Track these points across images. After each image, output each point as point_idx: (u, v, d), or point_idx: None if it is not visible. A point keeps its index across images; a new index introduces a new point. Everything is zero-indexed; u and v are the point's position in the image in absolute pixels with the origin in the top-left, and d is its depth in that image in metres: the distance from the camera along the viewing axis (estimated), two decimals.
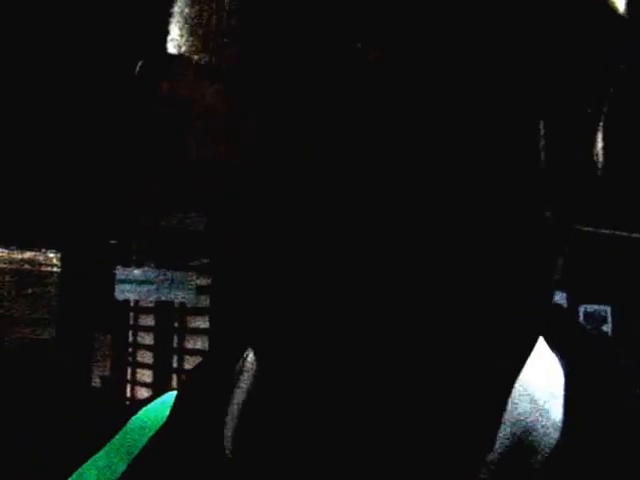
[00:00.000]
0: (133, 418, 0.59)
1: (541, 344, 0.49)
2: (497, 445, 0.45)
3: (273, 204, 0.42)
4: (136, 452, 0.56)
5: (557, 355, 0.50)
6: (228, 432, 0.51)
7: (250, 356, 0.54)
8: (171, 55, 0.47)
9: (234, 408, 0.52)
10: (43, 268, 6.55)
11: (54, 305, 6.51)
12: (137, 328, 7.53)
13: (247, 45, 0.42)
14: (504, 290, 0.41)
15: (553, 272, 0.44)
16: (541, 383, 0.48)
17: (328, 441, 0.45)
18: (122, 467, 0.56)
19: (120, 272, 6.21)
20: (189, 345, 6.94)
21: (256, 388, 0.51)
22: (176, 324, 7.14)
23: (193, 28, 0.46)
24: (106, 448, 0.59)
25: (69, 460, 0.60)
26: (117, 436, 0.59)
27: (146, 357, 7.29)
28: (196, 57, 0.45)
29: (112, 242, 6.57)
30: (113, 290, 6.21)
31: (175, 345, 7.09)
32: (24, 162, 5.73)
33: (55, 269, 6.54)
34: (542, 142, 0.41)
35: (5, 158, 5.71)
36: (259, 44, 0.42)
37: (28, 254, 6.52)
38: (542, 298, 0.45)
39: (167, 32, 0.47)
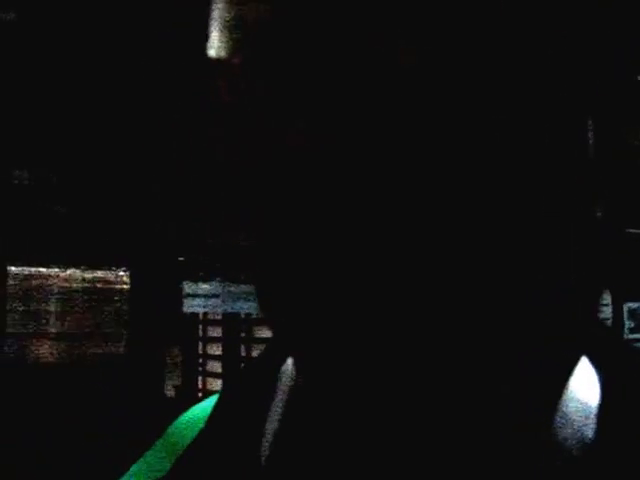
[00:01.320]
0: (179, 418, 0.60)
1: (582, 360, 0.47)
2: (522, 460, 0.43)
3: (317, 206, 0.40)
4: (181, 451, 0.56)
5: (596, 369, 0.47)
6: (265, 439, 0.51)
7: (289, 363, 0.53)
8: (210, 59, 0.47)
9: (273, 415, 0.52)
10: (114, 286, 6.61)
11: (126, 321, 6.57)
12: (206, 339, 7.61)
13: (283, 47, 0.42)
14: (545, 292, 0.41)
15: (599, 276, 0.44)
16: (576, 398, 0.46)
17: (367, 449, 0.44)
18: (168, 465, 0.56)
19: (188, 287, 6.27)
20: (256, 354, 6.86)
21: (295, 396, 0.51)
22: (243, 334, 7.20)
23: (231, 32, 0.45)
24: (155, 447, 0.59)
25: (123, 461, 0.63)
26: (164, 435, 0.60)
27: (215, 367, 7.37)
28: (235, 60, 0.44)
29: (180, 259, 6.59)
30: (181, 304, 6.26)
31: (243, 354, 7.15)
32: (93, 185, 5.76)
33: (126, 286, 6.59)
34: (584, 142, 0.41)
35: (75, 183, 5.77)
36: (293, 47, 0.41)
37: (99, 273, 6.57)
38: (587, 302, 0.45)
39: (206, 36, 0.47)
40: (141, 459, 0.59)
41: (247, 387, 0.56)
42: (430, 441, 0.43)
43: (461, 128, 0.39)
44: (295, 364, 0.49)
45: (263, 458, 0.50)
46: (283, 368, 0.54)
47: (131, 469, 0.59)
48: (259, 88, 0.42)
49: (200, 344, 7.55)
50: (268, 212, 0.42)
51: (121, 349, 6.60)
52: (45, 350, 6.45)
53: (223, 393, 0.58)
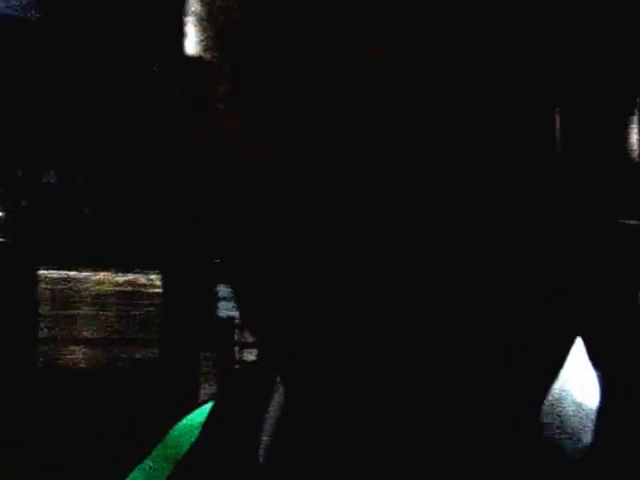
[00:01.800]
0: (177, 425, 0.61)
1: (583, 361, 0.47)
2: (514, 459, 0.43)
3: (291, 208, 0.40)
4: (178, 458, 0.57)
5: (596, 372, 0.47)
6: (262, 444, 0.51)
7: None
8: (187, 55, 0.47)
9: (269, 420, 0.52)
10: (146, 289, 6.59)
11: (158, 325, 6.55)
12: (243, 345, 7.49)
13: (254, 44, 0.42)
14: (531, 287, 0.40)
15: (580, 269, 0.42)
16: (574, 401, 0.45)
17: (358, 455, 0.44)
18: (166, 473, 0.57)
19: (223, 290, 6.26)
20: None
21: (287, 404, 0.50)
22: None
23: (205, 27, 0.45)
24: (152, 455, 0.60)
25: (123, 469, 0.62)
26: (161, 443, 0.61)
27: None
28: (210, 56, 0.45)
29: (217, 261, 6.61)
30: (216, 308, 6.27)
31: None
32: (123, 186, 5.82)
33: (158, 290, 6.57)
34: (558, 136, 0.40)
35: (105, 185, 5.82)
36: (265, 44, 0.41)
37: (131, 276, 6.56)
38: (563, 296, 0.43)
39: (183, 32, 0.47)
40: (138, 467, 0.60)
41: (243, 392, 0.56)
42: (418, 441, 0.43)
43: (454, 127, 0.38)
44: (281, 378, 0.49)
45: (260, 463, 0.50)
46: (277, 377, 0.53)
47: (128, 478, 0.60)
48: (238, 87, 0.42)
49: (236, 349, 7.45)
50: (258, 220, 0.42)
51: (154, 354, 6.59)
52: (76, 355, 6.46)
53: (219, 399, 0.59)
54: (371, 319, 0.40)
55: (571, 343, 0.46)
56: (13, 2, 4.93)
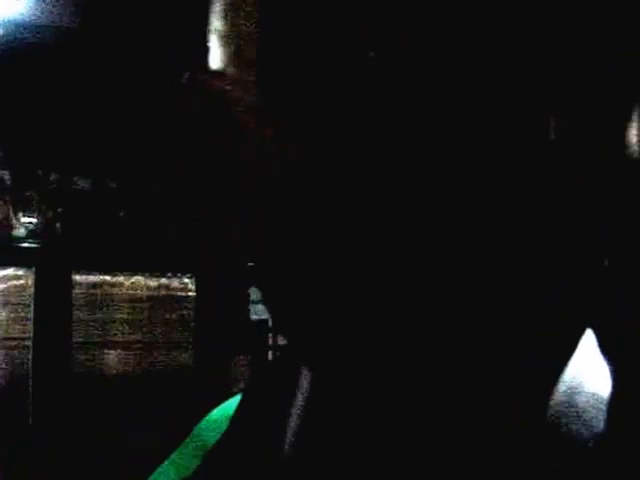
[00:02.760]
0: (205, 418, 0.67)
1: (596, 353, 0.47)
2: (524, 454, 0.44)
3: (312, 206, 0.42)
4: (206, 450, 0.59)
5: (608, 363, 0.47)
6: (287, 436, 0.52)
7: None
8: (211, 68, 0.50)
9: (294, 413, 0.53)
10: (179, 293, 6.58)
11: (191, 328, 6.54)
12: (276, 348, 7.53)
13: (271, 55, 0.44)
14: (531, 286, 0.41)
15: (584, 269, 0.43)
16: (587, 391, 0.45)
17: (384, 447, 0.46)
18: (196, 462, 0.60)
19: (255, 293, 6.24)
20: None
21: (314, 397, 0.52)
22: None
23: (227, 42, 0.47)
24: (181, 447, 0.68)
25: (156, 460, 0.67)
26: (190, 436, 0.67)
27: None
28: (231, 69, 0.47)
29: (250, 265, 6.60)
30: (249, 311, 6.26)
31: None
32: (155, 190, 5.82)
33: (191, 294, 6.56)
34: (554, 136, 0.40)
35: (138, 190, 5.83)
36: (279, 56, 0.43)
37: (164, 280, 6.56)
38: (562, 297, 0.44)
39: (208, 46, 0.49)
40: (168, 459, 0.69)
41: (269, 387, 0.60)
42: (425, 438, 0.44)
43: (454, 127, 0.39)
44: (310, 371, 0.52)
45: (285, 455, 0.52)
46: (303, 369, 0.57)
47: (158, 469, 0.67)
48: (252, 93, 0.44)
49: (270, 352, 7.40)
50: (268, 222, 0.44)
51: (187, 357, 6.58)
52: (111, 358, 6.48)
53: (245, 393, 0.62)
54: (376, 317, 0.41)
55: (578, 339, 0.46)
56: (42, 9, 4.98)
